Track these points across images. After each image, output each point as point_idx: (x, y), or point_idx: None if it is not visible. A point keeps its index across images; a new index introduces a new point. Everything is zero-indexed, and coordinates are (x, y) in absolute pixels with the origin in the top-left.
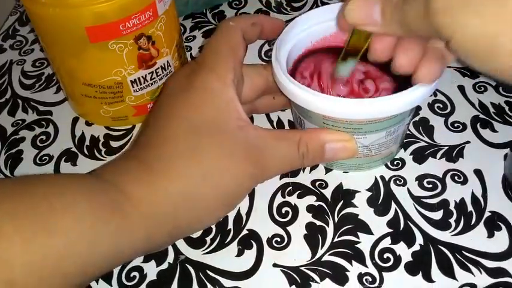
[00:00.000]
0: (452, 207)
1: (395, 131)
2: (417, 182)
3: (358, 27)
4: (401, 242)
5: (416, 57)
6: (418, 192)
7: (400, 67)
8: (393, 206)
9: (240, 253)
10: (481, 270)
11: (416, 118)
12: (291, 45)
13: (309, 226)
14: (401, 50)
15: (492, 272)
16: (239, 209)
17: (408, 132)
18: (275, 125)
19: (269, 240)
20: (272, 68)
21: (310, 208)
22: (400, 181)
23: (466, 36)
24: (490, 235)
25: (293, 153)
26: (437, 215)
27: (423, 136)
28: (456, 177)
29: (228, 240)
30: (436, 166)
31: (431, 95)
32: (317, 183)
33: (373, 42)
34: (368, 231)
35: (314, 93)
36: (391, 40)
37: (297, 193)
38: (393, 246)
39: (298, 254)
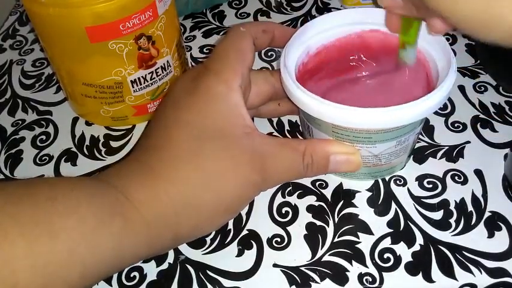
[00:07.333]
0: (452, 207)
1: (405, 140)
2: (417, 182)
3: (389, 10)
4: (402, 242)
5: None
6: (418, 192)
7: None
8: (393, 206)
9: (240, 253)
10: (481, 270)
11: None
12: (299, 51)
13: (309, 226)
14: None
15: (492, 272)
16: None
17: None
18: (275, 125)
19: (269, 240)
20: (280, 75)
21: (310, 208)
22: (400, 181)
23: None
24: (490, 235)
25: (297, 164)
26: (437, 215)
27: (423, 136)
28: (456, 177)
29: (228, 240)
30: (436, 166)
31: None
32: (317, 183)
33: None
34: (368, 231)
35: (323, 101)
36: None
37: (297, 193)
38: (393, 246)
39: (298, 254)
